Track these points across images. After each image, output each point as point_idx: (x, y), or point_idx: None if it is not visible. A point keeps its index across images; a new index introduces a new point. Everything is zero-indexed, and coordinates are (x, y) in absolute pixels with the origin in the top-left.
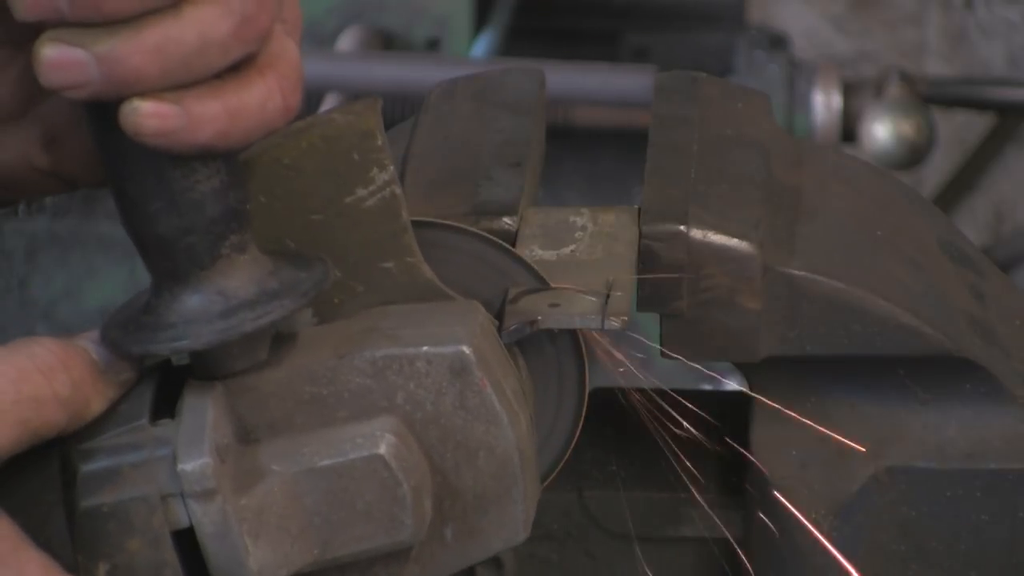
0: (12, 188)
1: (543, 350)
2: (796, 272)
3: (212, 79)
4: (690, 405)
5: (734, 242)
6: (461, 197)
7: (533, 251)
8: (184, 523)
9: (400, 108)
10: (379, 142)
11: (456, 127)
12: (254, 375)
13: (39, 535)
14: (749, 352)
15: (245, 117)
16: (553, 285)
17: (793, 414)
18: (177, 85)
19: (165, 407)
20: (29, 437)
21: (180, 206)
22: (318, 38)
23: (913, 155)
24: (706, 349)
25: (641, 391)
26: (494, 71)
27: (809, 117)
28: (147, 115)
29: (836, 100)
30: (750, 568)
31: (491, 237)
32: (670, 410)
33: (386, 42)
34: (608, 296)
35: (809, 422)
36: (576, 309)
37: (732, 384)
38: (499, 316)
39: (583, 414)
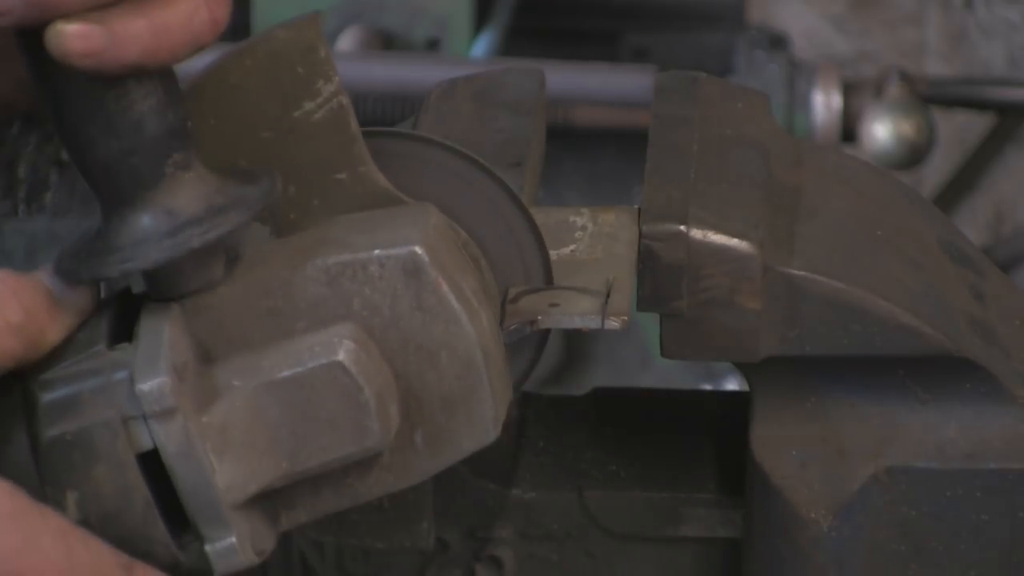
0: None
1: (507, 246)
2: (796, 272)
3: None
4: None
5: (734, 242)
6: None
7: None
8: (148, 445)
9: (400, 108)
10: (323, 54)
11: (456, 127)
12: (209, 293)
13: (4, 470)
14: (749, 352)
15: (172, 33)
16: (553, 285)
17: (793, 414)
18: (101, 6)
19: (125, 333)
20: None
21: (118, 128)
22: None
23: (913, 155)
24: (706, 349)
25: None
26: (494, 71)
27: (809, 117)
28: (71, 37)
29: (836, 100)
30: (750, 568)
31: (455, 146)
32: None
33: (386, 42)
34: (608, 296)
35: (809, 422)
36: (576, 309)
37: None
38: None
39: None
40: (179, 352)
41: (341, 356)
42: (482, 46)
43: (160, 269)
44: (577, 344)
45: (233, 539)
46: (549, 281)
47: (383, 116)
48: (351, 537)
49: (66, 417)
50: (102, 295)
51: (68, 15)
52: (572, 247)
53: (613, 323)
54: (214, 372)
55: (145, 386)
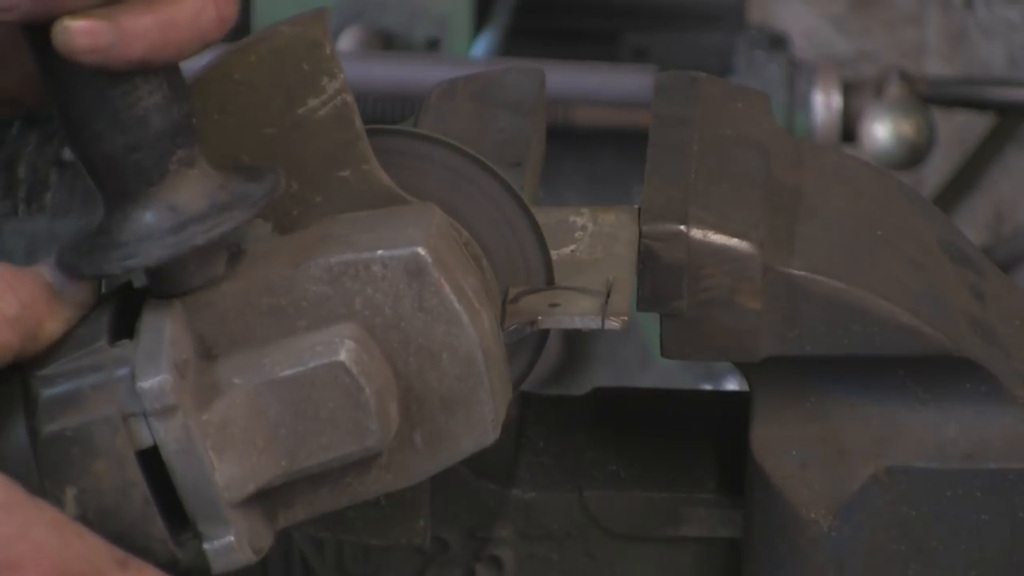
0: None
1: (508, 246)
2: (796, 272)
3: None
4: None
5: (734, 242)
6: None
7: None
8: (148, 442)
9: (400, 108)
10: (328, 51)
11: (456, 127)
12: (211, 290)
13: (1, 463)
14: (749, 352)
15: (179, 29)
16: (553, 285)
17: (793, 414)
18: (108, 1)
19: (126, 329)
20: None
21: (123, 123)
22: None
23: (913, 155)
24: (706, 349)
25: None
26: (494, 71)
27: (809, 117)
28: (78, 33)
29: (836, 100)
30: (750, 568)
31: (457, 144)
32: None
33: (386, 42)
34: (608, 296)
35: (809, 422)
36: (576, 309)
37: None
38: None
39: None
40: (180, 349)
41: (343, 356)
42: (482, 46)
43: (163, 266)
44: (577, 344)
45: (231, 537)
46: (550, 281)
47: (383, 116)
48: (348, 534)
49: (66, 413)
50: (103, 290)
51: (75, 11)
52: (572, 247)
53: (613, 323)
54: (215, 369)
55: (146, 384)
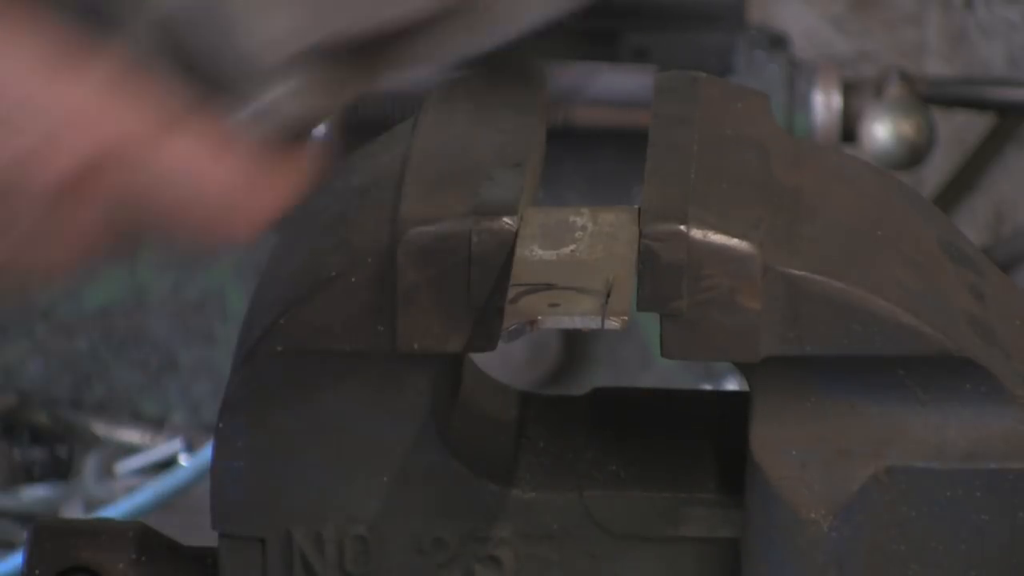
0: None
1: None
2: (796, 272)
3: None
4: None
5: (734, 242)
6: (461, 197)
7: (533, 251)
8: None
9: (400, 108)
10: None
11: (456, 127)
12: None
13: None
14: (749, 352)
15: None
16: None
17: (793, 414)
18: None
19: None
20: None
21: None
22: None
23: (913, 155)
24: (706, 349)
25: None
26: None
27: (809, 117)
28: None
29: (836, 100)
30: (750, 568)
31: None
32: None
33: None
34: (608, 296)
35: (809, 422)
36: (576, 309)
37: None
38: None
39: None
40: None
41: None
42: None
43: None
44: (577, 344)
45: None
46: None
47: (383, 116)
48: None
49: None
50: None
51: None
52: (572, 247)
53: (613, 323)
54: None
55: None
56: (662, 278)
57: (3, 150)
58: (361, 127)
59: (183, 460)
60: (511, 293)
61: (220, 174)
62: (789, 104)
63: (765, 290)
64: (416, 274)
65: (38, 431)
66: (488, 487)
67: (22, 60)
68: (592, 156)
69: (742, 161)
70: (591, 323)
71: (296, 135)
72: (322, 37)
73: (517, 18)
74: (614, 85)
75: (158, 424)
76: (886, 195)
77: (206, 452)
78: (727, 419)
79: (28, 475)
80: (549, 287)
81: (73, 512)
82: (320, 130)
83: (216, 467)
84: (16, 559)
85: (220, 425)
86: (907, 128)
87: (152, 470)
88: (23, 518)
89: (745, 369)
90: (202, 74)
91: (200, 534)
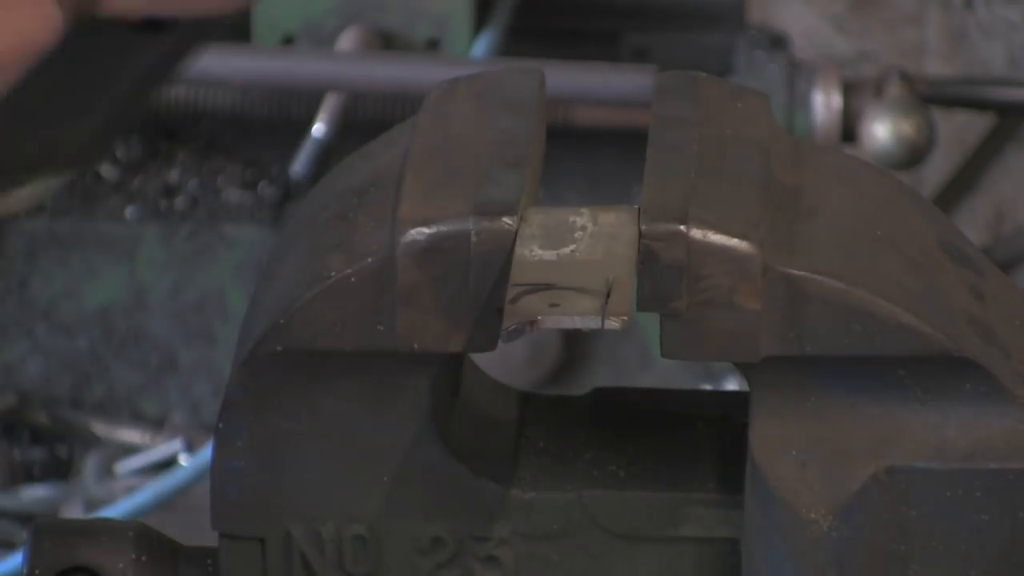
0: None
1: None
2: (796, 272)
3: None
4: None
5: (734, 242)
6: (461, 197)
7: (533, 251)
8: None
9: (400, 108)
10: None
11: (456, 127)
12: None
13: None
14: (749, 352)
15: None
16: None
17: (793, 414)
18: None
19: None
20: None
21: None
22: (318, 38)
23: (913, 155)
24: (706, 349)
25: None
26: (494, 71)
27: (809, 117)
28: None
29: (836, 100)
30: (750, 568)
31: None
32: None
33: (386, 42)
34: (608, 296)
35: (809, 422)
36: (576, 309)
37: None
38: None
39: None
40: None
41: None
42: (482, 46)
43: None
44: (577, 344)
45: None
46: None
47: (383, 116)
48: None
49: None
50: None
51: None
52: (572, 247)
53: (613, 323)
54: None
55: None
56: (662, 278)
57: None
58: (359, 127)
59: (183, 460)
60: (511, 293)
61: None
62: (789, 104)
63: (765, 290)
64: (416, 274)
65: (38, 431)
66: (488, 487)
67: None
68: (592, 156)
69: (742, 161)
70: (591, 323)
71: None
72: None
73: None
74: (614, 85)
75: (158, 424)
76: (886, 195)
77: (206, 452)
78: (727, 419)
79: (28, 475)
80: (549, 287)
81: (73, 512)
82: (319, 129)
83: (216, 467)
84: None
85: (220, 425)
86: (907, 128)
87: (152, 470)
88: (23, 518)
89: (745, 369)
90: None
91: (200, 534)
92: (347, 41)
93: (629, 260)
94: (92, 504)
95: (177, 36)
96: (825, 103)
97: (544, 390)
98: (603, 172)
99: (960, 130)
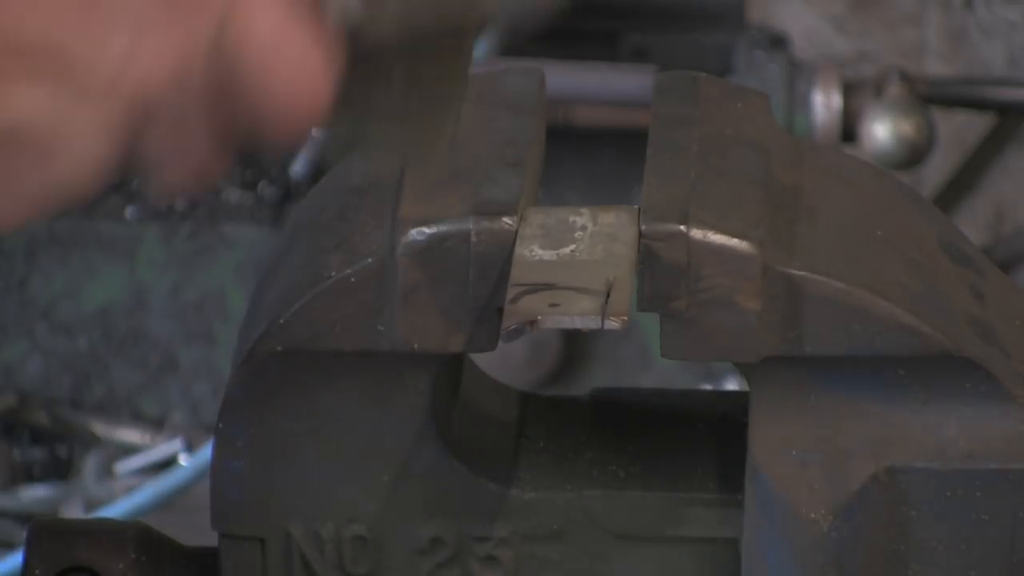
0: None
1: None
2: (796, 272)
3: None
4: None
5: (734, 242)
6: (461, 197)
7: (533, 251)
8: None
9: None
10: None
11: (456, 127)
12: None
13: None
14: (749, 352)
15: None
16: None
17: (793, 414)
18: None
19: None
20: None
21: None
22: None
23: (913, 155)
24: (706, 349)
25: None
26: (494, 71)
27: (809, 117)
28: None
29: (836, 100)
30: (750, 568)
31: None
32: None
33: None
34: (608, 296)
35: (809, 422)
36: (576, 309)
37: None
38: None
39: None
40: None
41: None
42: (482, 46)
43: None
44: (577, 344)
45: None
46: None
47: None
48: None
49: None
50: None
51: None
52: (572, 247)
53: (613, 323)
54: None
55: None
56: (662, 278)
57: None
58: None
59: (183, 460)
60: (511, 293)
61: (302, 46)
62: (789, 104)
63: (765, 290)
64: (416, 274)
65: (38, 431)
66: (488, 487)
67: None
68: (592, 156)
69: (742, 161)
70: (591, 323)
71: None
72: None
73: None
74: (614, 85)
75: (158, 424)
76: (886, 195)
77: (206, 452)
78: (727, 419)
79: (28, 475)
80: (549, 287)
81: (73, 512)
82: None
83: (216, 467)
84: (16, 559)
85: (220, 425)
86: (907, 128)
87: (152, 470)
88: (23, 518)
89: (745, 369)
90: None
91: (200, 534)
92: None
93: (629, 260)
94: (92, 504)
95: None
96: (825, 103)
97: (544, 390)
98: (603, 172)
99: (960, 130)
